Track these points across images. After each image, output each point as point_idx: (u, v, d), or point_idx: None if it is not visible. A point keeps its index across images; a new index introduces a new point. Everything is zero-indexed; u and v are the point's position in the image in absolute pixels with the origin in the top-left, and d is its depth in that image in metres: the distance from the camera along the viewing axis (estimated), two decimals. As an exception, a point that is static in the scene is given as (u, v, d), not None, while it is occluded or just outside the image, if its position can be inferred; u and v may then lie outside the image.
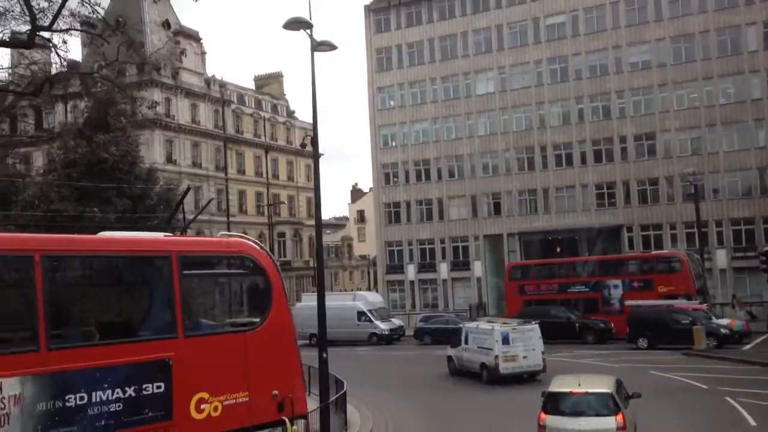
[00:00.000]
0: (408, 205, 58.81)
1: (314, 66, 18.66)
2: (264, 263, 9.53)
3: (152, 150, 66.14)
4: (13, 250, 7.52)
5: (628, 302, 36.48)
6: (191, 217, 22.88)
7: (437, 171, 58.14)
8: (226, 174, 74.06)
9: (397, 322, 45.10)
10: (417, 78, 59.05)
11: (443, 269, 57.22)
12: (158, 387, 7.99)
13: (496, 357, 24.58)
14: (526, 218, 55.73)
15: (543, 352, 25.81)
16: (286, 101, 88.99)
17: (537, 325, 26.55)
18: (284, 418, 8.85)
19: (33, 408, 6.88)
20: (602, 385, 14.53)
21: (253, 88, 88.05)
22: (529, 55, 56.08)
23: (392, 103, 60.02)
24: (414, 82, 59.20)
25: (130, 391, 7.83)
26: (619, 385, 14.90)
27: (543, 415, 13.91)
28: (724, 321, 34.28)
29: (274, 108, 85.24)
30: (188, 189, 20.19)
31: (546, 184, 55.29)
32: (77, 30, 18.55)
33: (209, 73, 75.83)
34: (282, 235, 79.58)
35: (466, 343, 26.80)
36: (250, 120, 79.21)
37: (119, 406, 7.70)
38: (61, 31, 18.40)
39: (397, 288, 58.61)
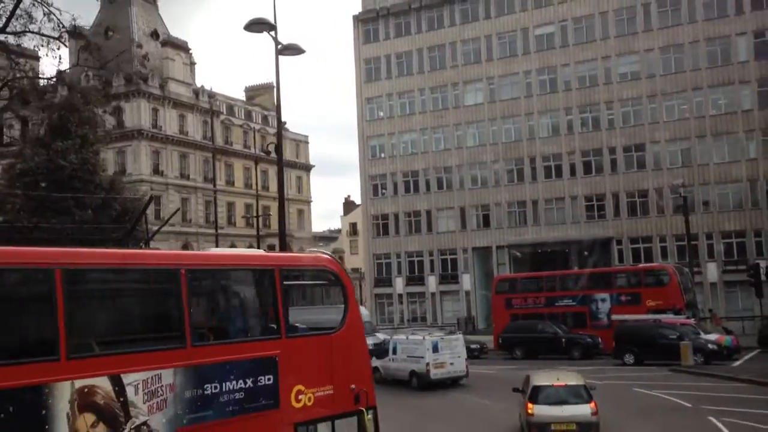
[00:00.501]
0: (396, 217, 58.09)
1: (279, 69, 18.04)
2: (341, 275, 10.98)
3: (139, 161, 65.53)
4: (164, 264, 9.56)
5: (614, 317, 35.69)
6: (159, 228, 22.03)
7: (426, 182, 57.48)
8: (214, 185, 73.31)
9: (381, 336, 44.00)
10: (405, 88, 58.52)
11: (432, 282, 56.44)
12: (268, 379, 9.45)
13: (428, 364, 26.56)
14: (516, 230, 55.05)
15: (466, 359, 28.66)
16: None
17: (461, 335, 30.40)
18: (361, 408, 10.32)
19: (182, 394, 8.48)
20: (576, 379, 17.36)
21: (244, 99, 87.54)
22: (518, 65, 55.58)
23: (381, 113, 59.47)
24: (402, 92, 58.66)
25: (249, 383, 9.29)
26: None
27: (530, 405, 16.17)
28: (713, 336, 33.46)
29: (265, 119, 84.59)
30: (151, 198, 19.30)
31: (535, 196, 54.63)
32: (33, 33, 17.73)
33: (199, 83, 75.32)
34: (272, 247, 78.49)
35: (394, 353, 28.43)
36: (239, 131, 78.54)
37: (242, 395, 9.16)
38: (14, 33, 17.64)
39: (386, 301, 57.78)
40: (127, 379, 8.01)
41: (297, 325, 10.68)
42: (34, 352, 7.70)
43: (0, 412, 6.94)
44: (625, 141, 52.40)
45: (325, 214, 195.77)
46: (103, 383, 7.77)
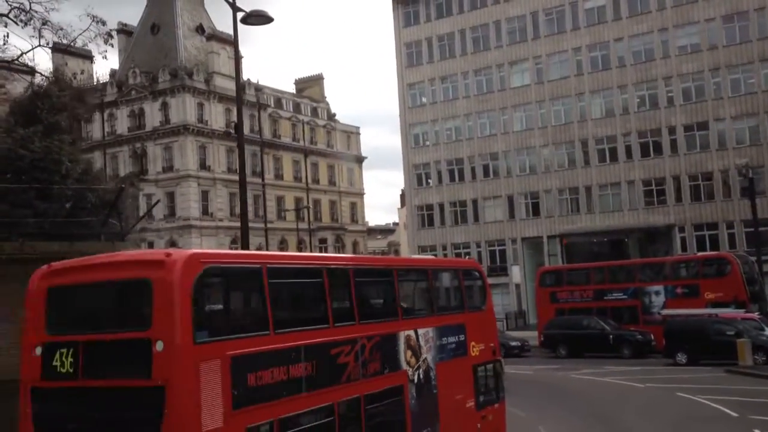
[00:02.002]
0: (441, 207, 55.59)
1: (237, 34, 16.25)
2: (483, 273, 16.74)
3: (185, 156, 65.13)
4: (381, 267, 13.83)
5: (664, 311, 32.40)
6: (142, 223, 20.46)
7: (471, 170, 54.74)
8: (262, 179, 72.35)
9: None
10: (448, 72, 55.87)
11: (479, 275, 53.70)
12: (461, 338, 13.86)
13: None
14: (568, 219, 51.77)
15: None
16: (327, 104, 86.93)
17: None
18: (498, 358, 15.29)
19: (436, 343, 12.94)
20: None
21: (293, 91, 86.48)
22: (567, 42, 52.16)
23: (423, 99, 56.98)
24: (445, 76, 56.04)
25: (454, 338, 13.66)
26: None
27: None
28: (780, 332, 29.80)
29: (314, 111, 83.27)
30: (121, 190, 17.69)
31: (588, 182, 51.19)
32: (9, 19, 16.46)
33: (246, 77, 74.55)
34: (323, 241, 77.39)
35: None
36: (287, 124, 77.40)
37: (453, 346, 13.59)
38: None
39: (432, 295, 55.45)
40: (419, 332, 12.54)
41: (469, 302, 15.12)
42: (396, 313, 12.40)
43: (379, 348, 11.30)
44: (686, 119, 48.43)
45: (389, 207, 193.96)
46: (412, 333, 12.31)
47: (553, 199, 52.17)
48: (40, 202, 17.38)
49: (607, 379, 26.21)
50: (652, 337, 33.17)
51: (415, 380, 12.06)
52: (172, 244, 64.57)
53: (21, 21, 16.57)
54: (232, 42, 56.74)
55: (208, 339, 8.20)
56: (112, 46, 18.37)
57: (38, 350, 8.66)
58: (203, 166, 66.50)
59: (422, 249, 56.06)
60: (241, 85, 58.83)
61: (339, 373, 10.16)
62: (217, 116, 68.31)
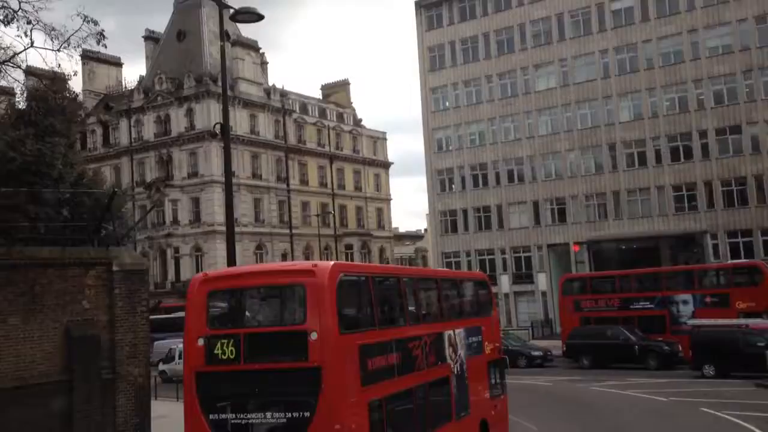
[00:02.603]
0: (465, 213, 54.60)
1: (223, 29, 15.75)
2: (489, 284, 18.71)
3: (210, 162, 65.12)
4: (431, 277, 17.39)
5: (690, 321, 31.03)
6: (134, 228, 19.97)
7: (495, 175, 53.68)
8: (287, 185, 72.10)
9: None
10: (472, 76, 54.94)
11: (504, 282, 52.59)
12: (479, 338, 15.82)
13: None
14: (595, 225, 50.41)
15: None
16: (353, 109, 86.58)
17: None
18: (503, 356, 17.78)
19: (465, 341, 14.86)
20: None
21: (319, 97, 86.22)
22: (593, 44, 50.94)
23: (446, 104, 56.10)
24: (469, 80, 55.12)
25: (475, 339, 15.57)
26: None
27: None
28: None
29: (340, 116, 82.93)
30: (113, 194, 17.20)
31: (616, 187, 49.83)
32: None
33: (271, 82, 74.42)
34: (349, 246, 76.88)
35: (180, 358, 32.43)
36: (313, 129, 77.12)
37: (474, 345, 15.51)
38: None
39: (455, 302, 54.39)
40: (455, 332, 14.47)
41: (482, 310, 17.20)
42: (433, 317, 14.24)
43: (433, 344, 13.28)
44: (718, 123, 46.87)
45: (419, 213, 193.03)
46: (451, 333, 14.22)
47: (580, 205, 50.88)
48: (33, 206, 16.99)
49: (629, 392, 25.04)
50: (680, 348, 31.84)
51: (455, 372, 14.20)
52: (197, 249, 64.61)
53: (8, 21, 16.13)
54: (257, 48, 56.38)
55: (345, 331, 10.40)
56: (105, 47, 17.83)
57: (200, 341, 10.73)
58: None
59: (445, 255, 55.15)
60: (266, 90, 58.30)
61: (413, 363, 12.36)
62: (241, 122, 68.24)
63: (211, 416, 10.50)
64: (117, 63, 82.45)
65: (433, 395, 12.87)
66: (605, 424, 19.60)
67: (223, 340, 10.52)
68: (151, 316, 53.77)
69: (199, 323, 10.93)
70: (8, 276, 16.20)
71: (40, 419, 16.27)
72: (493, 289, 51.88)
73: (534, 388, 27.47)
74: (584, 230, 50.37)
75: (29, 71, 18.67)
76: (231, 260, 15.69)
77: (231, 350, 10.42)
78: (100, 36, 17.81)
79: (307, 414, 10.07)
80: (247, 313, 11.32)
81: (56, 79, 20.17)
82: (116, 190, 17.63)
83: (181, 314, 42.45)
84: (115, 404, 17.51)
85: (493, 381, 16.41)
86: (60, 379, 16.80)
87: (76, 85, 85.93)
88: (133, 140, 69.76)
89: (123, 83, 78.20)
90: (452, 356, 14.10)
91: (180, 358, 32.68)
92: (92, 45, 18.31)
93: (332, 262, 11.19)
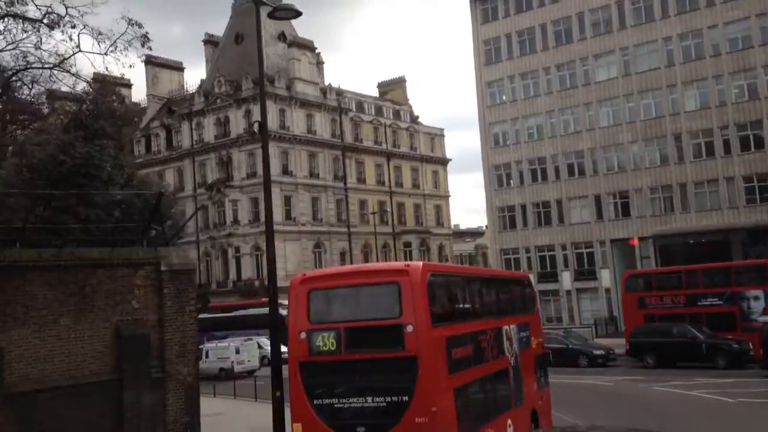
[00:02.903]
0: (523, 208, 53.45)
1: (260, 26, 15.58)
2: (531, 283, 19.99)
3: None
4: (489, 276, 19.14)
5: (763, 318, 29.46)
6: (179, 231, 20.02)
7: (555, 169, 52.36)
8: (345, 183, 72.24)
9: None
10: (529, 68, 53.74)
11: (566, 279, 51.30)
12: (527, 333, 16.70)
13: (233, 362, 36.09)
14: (661, 219, 48.64)
15: (260, 358, 38.35)
16: (410, 106, 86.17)
17: (254, 340, 39.38)
18: (547, 351, 19.85)
19: (516, 336, 15.68)
20: None
21: (376, 95, 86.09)
22: (656, 32, 49.12)
23: (503, 97, 55.03)
24: (525, 73, 53.93)
25: (524, 334, 16.43)
26: None
27: None
28: None
29: (397, 114, 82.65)
30: (161, 194, 17.27)
31: (683, 179, 47.95)
32: (12, 16, 16.21)
33: (327, 82, 74.68)
34: (408, 244, 76.56)
35: (207, 357, 36.33)
36: (369, 127, 77.07)
37: (524, 339, 16.38)
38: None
39: (515, 300, 53.28)
40: (511, 327, 15.33)
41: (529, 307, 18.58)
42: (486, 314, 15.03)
43: (495, 338, 14.37)
44: (791, 109, 44.53)
45: (481, 209, 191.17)
46: (508, 328, 15.08)
47: (644, 198, 49.17)
48: (83, 208, 17.22)
49: (694, 392, 23.88)
50: (750, 346, 30.28)
51: (512, 364, 15.06)
52: (257, 248, 65.32)
53: (56, 26, 16.32)
54: (313, 48, 56.48)
55: (435, 324, 11.54)
56: (150, 49, 17.91)
57: (303, 335, 11.85)
58: (285, 171, 66.97)
59: (504, 252, 54.16)
60: (322, 89, 58.46)
61: (482, 354, 13.44)
62: (298, 122, 68.72)
63: (315, 401, 11.65)
64: (179, 67, 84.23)
65: (496, 385, 14.16)
66: (666, 425, 18.64)
67: (323, 334, 11.71)
68: (213, 315, 54.62)
69: (301, 319, 12.08)
70: (59, 277, 16.43)
71: (91, 418, 16.45)
72: (554, 286, 51.35)
73: (594, 387, 26.55)
74: (649, 224, 48.64)
75: (78, 75, 18.83)
76: (271, 260, 15.43)
77: (331, 342, 11.60)
78: (145, 38, 17.93)
79: (405, 398, 11.20)
80: (345, 309, 12.35)
81: (105, 83, 20.43)
82: (163, 191, 17.61)
83: (242, 312, 43.00)
84: (165, 403, 17.61)
85: (539, 374, 17.46)
86: (111, 378, 16.96)
87: (139, 90, 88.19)
88: (194, 142, 71.05)
89: (185, 87, 79.83)
90: (509, 349, 15.19)
91: (207, 357, 36.32)
92: (137, 47, 18.42)
93: (421, 263, 12.43)
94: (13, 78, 16.81)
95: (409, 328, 11.21)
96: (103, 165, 17.65)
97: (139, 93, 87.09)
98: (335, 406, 11.61)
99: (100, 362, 16.92)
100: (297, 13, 15.49)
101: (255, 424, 21.88)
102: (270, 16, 15.30)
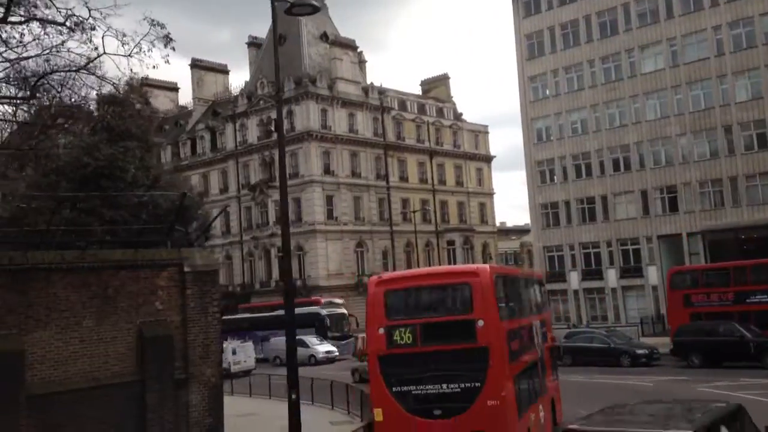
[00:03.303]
0: (567, 205, 52.27)
1: (276, 22, 15.34)
2: (544, 281, 21.29)
3: (309, 162, 66.02)
4: (522, 277, 18.78)
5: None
6: (207, 231, 19.93)
7: (599, 165, 51.04)
8: (387, 182, 72.01)
9: None
10: (572, 62, 52.51)
11: (611, 276, 49.99)
12: (545, 330, 18.19)
13: (229, 363, 35.82)
14: (711, 214, 46.95)
15: (255, 357, 41.04)
16: (453, 103, 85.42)
17: (251, 342, 42.86)
18: (557, 345, 22.51)
19: (540, 331, 17.07)
20: None
21: (419, 92, 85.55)
22: (705, 21, 47.42)
23: (546, 92, 53.89)
24: (569, 66, 52.71)
25: (543, 329, 17.94)
26: None
27: None
28: None
29: (440, 111, 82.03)
30: (183, 195, 17.23)
31: (734, 172, 46.20)
32: (36, 20, 16.25)
33: (369, 81, 74.53)
34: (451, 243, 75.95)
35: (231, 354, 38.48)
36: (412, 125, 76.66)
37: (544, 334, 17.94)
38: (16, 23, 16.27)
39: (560, 298, 52.19)
40: (536, 323, 17.01)
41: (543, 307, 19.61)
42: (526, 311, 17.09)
43: (528, 332, 16.15)
44: None
45: (526, 206, 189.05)
46: (536, 323, 16.86)
47: (693, 192, 47.54)
48: (107, 210, 17.29)
49: (739, 393, 22.75)
50: (803, 345, 28.90)
51: (540, 355, 16.57)
52: (299, 248, 65.59)
53: (74, 28, 16.35)
54: (354, 47, 56.31)
55: (501, 318, 13.49)
56: (173, 50, 17.84)
57: (381, 330, 13.48)
58: (327, 171, 67.08)
59: (547, 249, 53.07)
60: (364, 88, 58.32)
61: (525, 347, 15.08)
62: (340, 121, 68.74)
63: (393, 389, 13.20)
64: (223, 70, 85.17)
65: (533, 374, 15.78)
66: None
67: (400, 329, 13.34)
68: (257, 314, 55.00)
69: (378, 316, 13.70)
70: (82, 278, 16.49)
71: (113, 419, 16.48)
72: (599, 284, 50.00)
73: (633, 388, 25.59)
74: (698, 219, 47.03)
75: (103, 78, 18.89)
76: (286, 255, 15.17)
77: (408, 336, 13.20)
78: (167, 39, 17.85)
79: (477, 384, 12.80)
80: (419, 307, 13.89)
81: (131, 85, 20.52)
82: (186, 192, 17.57)
83: (279, 313, 43.06)
84: (188, 404, 17.55)
85: (553, 366, 19.18)
86: (133, 380, 16.96)
87: (185, 93, 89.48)
88: (238, 144, 71.72)
89: (230, 89, 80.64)
90: (538, 343, 16.94)
91: (234, 354, 39.14)
92: (161, 48, 18.37)
93: (488, 266, 16.28)
94: (39, 82, 16.88)
95: (480, 323, 12.98)
96: (126, 167, 17.72)
97: (185, 96, 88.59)
98: (413, 392, 13.13)
99: (123, 364, 16.95)
100: (314, 9, 15.24)
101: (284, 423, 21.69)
102: (287, 12, 15.05)
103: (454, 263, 74.79)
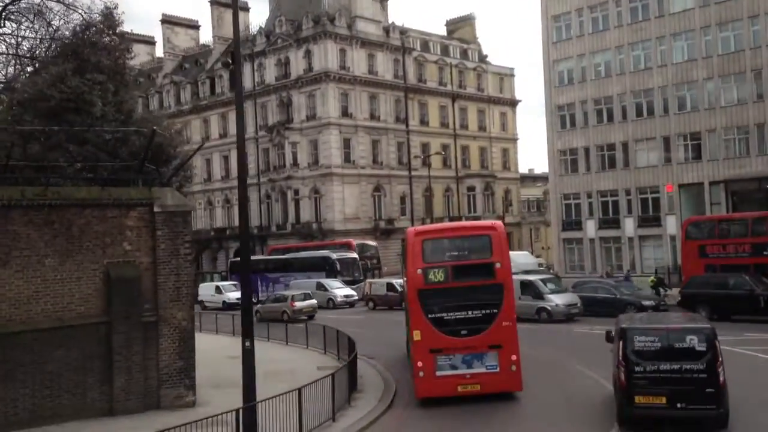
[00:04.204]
0: (587, 151, 50.65)
1: None
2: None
3: (327, 104, 64.82)
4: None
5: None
6: (179, 169, 19.13)
7: (621, 109, 49.15)
8: (407, 126, 70.64)
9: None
10: (598, 0, 50.10)
11: (629, 225, 48.65)
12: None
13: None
14: (735, 162, 45.12)
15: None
16: (478, 45, 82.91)
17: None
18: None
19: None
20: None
21: (444, 33, 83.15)
22: (738, -43, 44.64)
23: (570, 33, 51.69)
24: (594, 5, 50.36)
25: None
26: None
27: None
28: None
29: (464, 53, 79.74)
30: (154, 132, 16.49)
31: (762, 119, 44.13)
32: None
33: (390, 20, 72.45)
34: (471, 189, 74.70)
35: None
36: (434, 67, 74.72)
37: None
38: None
39: (575, 247, 51.10)
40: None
41: None
42: None
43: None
44: None
45: (538, 153, 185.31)
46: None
47: (718, 139, 45.60)
48: (74, 145, 16.66)
49: (737, 348, 21.85)
50: (819, 300, 27.67)
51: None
52: (316, 191, 65.06)
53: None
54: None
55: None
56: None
57: (419, 271, 16.89)
58: (345, 113, 65.88)
59: (565, 197, 51.76)
60: (385, 28, 56.33)
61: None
62: (359, 62, 67.15)
63: (429, 315, 16.75)
64: (244, 7, 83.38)
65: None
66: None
67: (435, 270, 16.90)
68: (271, 257, 54.84)
69: (417, 260, 17.05)
70: (45, 216, 16.04)
71: (78, 360, 16.23)
72: (616, 233, 48.72)
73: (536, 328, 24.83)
74: (722, 168, 45.24)
75: (71, 6, 17.97)
76: (243, 215, 14.38)
77: (441, 275, 16.84)
78: None
79: (495, 311, 16.64)
80: (450, 253, 17.22)
81: (106, 15, 19.59)
82: (155, 128, 16.78)
83: (302, 254, 43.79)
84: (158, 347, 17.22)
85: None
86: (99, 321, 16.65)
87: (205, 31, 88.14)
88: (256, 84, 70.60)
89: (249, 28, 79.08)
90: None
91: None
92: None
93: (499, 222, 18.62)
94: (4, 11, 16.08)
95: (498, 265, 16.75)
96: (94, 100, 16.97)
97: (207, 35, 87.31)
98: (445, 318, 16.75)
99: (89, 304, 16.62)
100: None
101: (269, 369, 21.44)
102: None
103: (474, 210, 73.80)
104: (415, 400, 17.07)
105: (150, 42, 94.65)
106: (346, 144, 65.93)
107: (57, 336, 15.95)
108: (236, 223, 72.19)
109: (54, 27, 18.15)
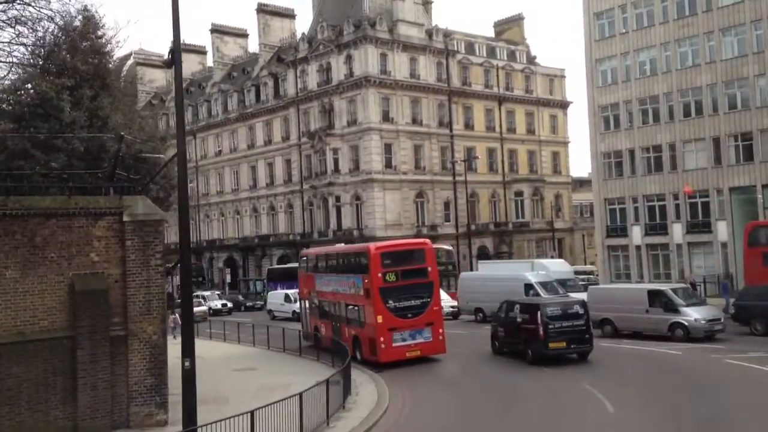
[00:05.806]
0: (631, 153, 48.24)
1: None
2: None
3: (367, 109, 64.05)
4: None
5: None
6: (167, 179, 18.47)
7: (668, 109, 46.61)
8: (450, 130, 69.23)
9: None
10: (642, -5, 47.75)
11: (677, 231, 46.03)
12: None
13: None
14: (791, 164, 42.11)
15: None
16: (527, 46, 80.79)
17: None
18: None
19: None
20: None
21: (491, 35, 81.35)
22: (793, -56, 41.74)
23: (613, 30, 49.40)
24: (638, 1, 48.02)
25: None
26: None
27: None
28: None
29: (512, 55, 77.77)
30: (121, 137, 15.88)
31: (820, 117, 41.03)
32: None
33: (434, 23, 71.23)
34: (519, 193, 72.72)
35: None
36: (480, 70, 73.06)
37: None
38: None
39: (621, 254, 48.71)
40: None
41: None
42: None
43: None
44: None
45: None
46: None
47: (772, 140, 42.67)
48: (41, 152, 16.19)
49: (765, 367, 19.84)
50: None
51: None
52: (357, 198, 64.32)
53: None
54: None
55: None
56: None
57: (379, 274, 23.91)
58: (386, 118, 64.95)
59: (609, 202, 49.46)
60: (428, 31, 55.24)
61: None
62: (401, 66, 66.16)
63: (386, 304, 23.87)
64: (290, 15, 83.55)
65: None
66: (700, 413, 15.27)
67: (389, 273, 24.14)
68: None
69: (378, 267, 24.07)
70: (5, 227, 15.60)
71: (40, 376, 15.69)
72: (664, 240, 46.09)
73: (660, 358, 22.91)
74: (776, 170, 42.30)
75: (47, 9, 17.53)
76: (184, 229, 13.55)
77: (393, 277, 24.15)
78: None
79: (428, 300, 24.46)
80: (399, 262, 24.69)
81: (89, 18, 19.12)
82: (123, 134, 16.14)
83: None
84: (127, 363, 16.58)
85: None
86: (64, 336, 16.10)
87: (252, 40, 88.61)
88: (299, 91, 70.49)
89: (295, 35, 79.12)
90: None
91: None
92: None
93: (428, 240, 29.11)
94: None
95: (429, 269, 24.76)
96: (61, 106, 16.46)
97: (254, 43, 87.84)
98: (396, 306, 24.04)
99: (52, 318, 16.08)
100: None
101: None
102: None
103: (522, 216, 71.85)
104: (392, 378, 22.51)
105: (201, 51, 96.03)
106: (388, 149, 64.98)
107: (18, 351, 15.46)
108: (281, 229, 72.26)
109: (39, 34, 17.70)
